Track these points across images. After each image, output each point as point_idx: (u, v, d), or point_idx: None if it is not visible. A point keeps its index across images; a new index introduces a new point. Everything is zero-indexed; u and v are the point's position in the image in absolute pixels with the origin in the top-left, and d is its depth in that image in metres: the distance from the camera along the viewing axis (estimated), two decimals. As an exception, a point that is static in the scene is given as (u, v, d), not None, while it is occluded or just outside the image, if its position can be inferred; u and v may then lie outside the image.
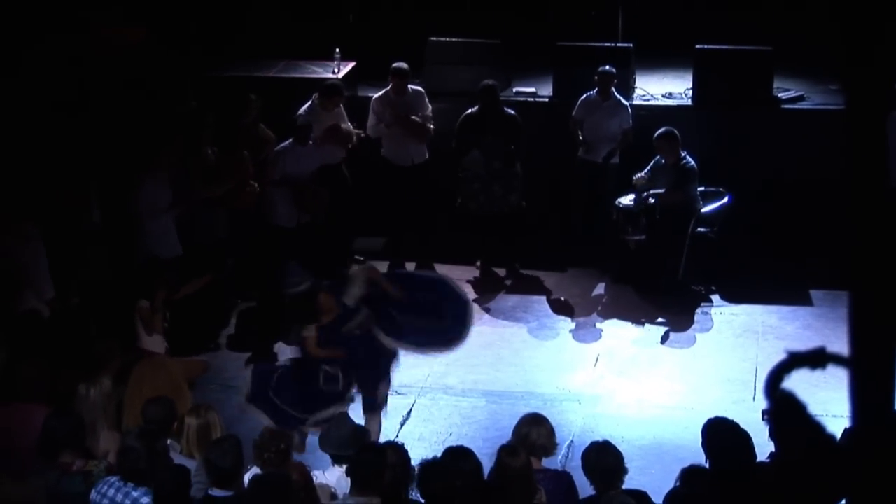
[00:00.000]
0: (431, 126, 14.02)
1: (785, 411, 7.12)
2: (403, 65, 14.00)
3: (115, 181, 12.58)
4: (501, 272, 14.30)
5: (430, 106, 14.06)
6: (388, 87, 14.04)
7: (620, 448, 7.72)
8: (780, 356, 6.44)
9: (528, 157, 14.01)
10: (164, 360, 10.39)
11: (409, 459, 7.53)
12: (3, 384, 9.26)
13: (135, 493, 7.49)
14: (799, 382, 7.61)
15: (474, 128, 13.83)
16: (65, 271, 11.59)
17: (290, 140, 13.36)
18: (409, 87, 14.05)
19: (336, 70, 14.77)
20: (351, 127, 13.95)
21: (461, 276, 14.07)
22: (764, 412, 7.90)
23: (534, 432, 7.94)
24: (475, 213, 13.99)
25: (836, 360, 6.18)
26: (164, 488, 7.25)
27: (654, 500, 7.69)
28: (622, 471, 7.55)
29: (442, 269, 14.10)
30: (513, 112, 13.98)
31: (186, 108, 13.75)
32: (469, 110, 13.93)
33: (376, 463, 7.44)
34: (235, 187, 13.03)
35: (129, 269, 12.27)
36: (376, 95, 14.12)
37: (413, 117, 13.92)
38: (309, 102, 13.81)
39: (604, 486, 7.48)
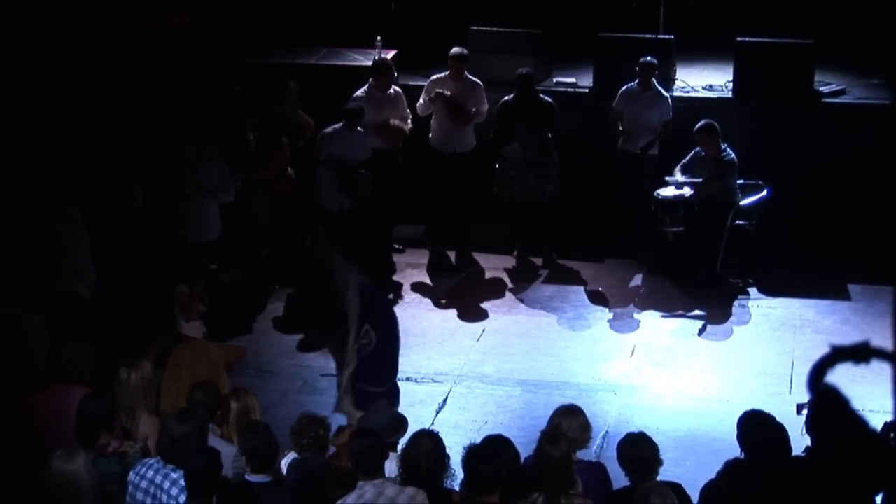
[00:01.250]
0: (481, 119, 14.04)
1: (828, 406, 7.06)
2: (462, 50, 14.02)
3: (158, 166, 12.61)
4: (538, 262, 14.29)
5: (486, 102, 14.06)
6: (447, 72, 14.05)
7: (655, 439, 7.69)
8: (818, 350, 6.40)
9: (567, 147, 13.98)
10: (203, 345, 10.40)
11: (444, 447, 7.53)
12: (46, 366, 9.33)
13: (174, 475, 7.51)
14: (837, 376, 7.57)
15: (510, 115, 13.82)
16: (107, 254, 11.64)
17: (341, 124, 13.38)
18: (468, 76, 14.06)
19: (377, 58, 14.77)
20: (406, 119, 13.93)
21: (498, 265, 14.10)
22: (799, 406, 7.85)
23: (564, 423, 7.90)
24: (510, 201, 13.98)
25: (881, 354, 6.13)
26: (195, 471, 7.27)
27: (688, 491, 7.67)
28: (657, 462, 7.52)
29: (480, 258, 14.12)
30: (549, 99, 13.96)
31: (231, 95, 13.77)
32: (505, 98, 13.92)
33: (373, 447, 7.49)
34: (274, 173, 13.10)
35: (168, 252, 12.32)
36: (434, 77, 14.13)
37: (463, 105, 13.91)
38: (365, 86, 13.84)
39: (639, 477, 7.46)
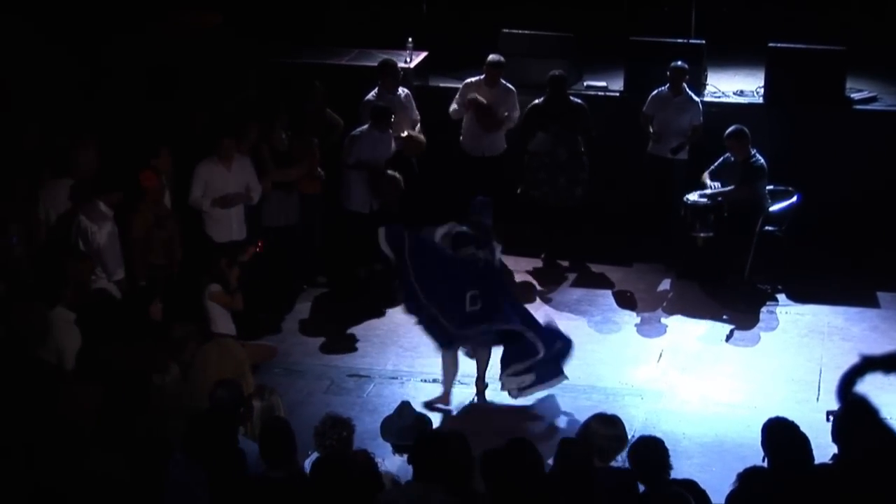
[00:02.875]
0: (511, 125, 14.06)
1: (857, 415, 7.00)
2: (500, 58, 14.01)
3: (185, 164, 12.59)
4: (566, 264, 14.24)
5: (518, 108, 14.07)
6: (482, 76, 14.04)
7: (682, 445, 7.66)
8: (846, 358, 6.36)
9: (597, 150, 13.94)
10: (230, 343, 10.43)
11: (470, 449, 7.49)
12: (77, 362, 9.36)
13: (201, 476, 7.50)
14: (862, 385, 7.51)
15: (541, 117, 13.79)
16: (136, 252, 11.64)
17: (367, 125, 13.37)
18: (503, 82, 14.04)
19: (408, 60, 14.76)
20: (416, 122, 13.97)
21: (526, 268, 14.07)
22: (829, 413, 7.80)
23: (596, 429, 7.83)
24: (538, 202, 13.94)
25: None
26: (219, 469, 7.24)
27: (714, 498, 7.61)
28: (667, 467, 7.45)
29: (507, 260, 14.06)
30: (580, 101, 13.94)
31: (245, 96, 13.75)
32: (536, 101, 13.89)
33: (439, 452, 7.42)
34: (305, 172, 13.11)
35: (197, 251, 12.31)
36: (469, 80, 14.12)
37: (495, 112, 13.88)
38: (375, 89, 13.84)
39: (649, 480, 7.40)
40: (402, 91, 14.04)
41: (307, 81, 13.81)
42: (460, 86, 14.22)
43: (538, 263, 14.25)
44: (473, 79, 14.13)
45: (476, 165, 14.13)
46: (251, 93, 13.87)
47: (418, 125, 14.09)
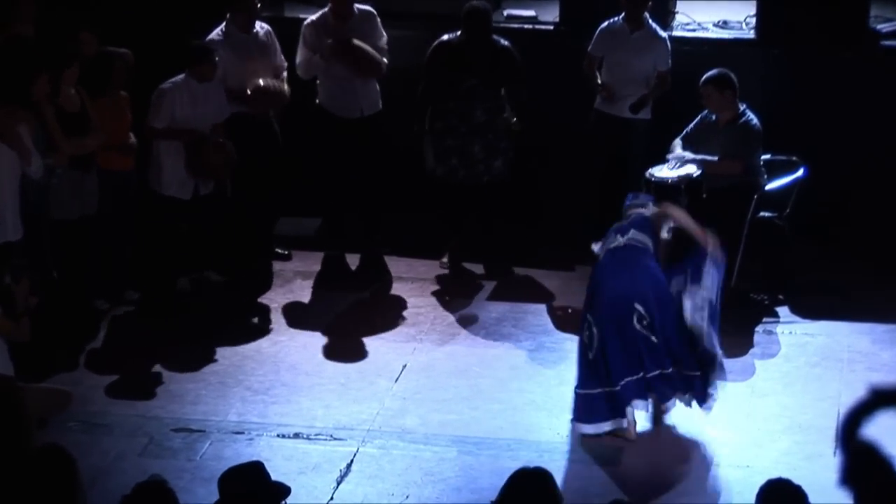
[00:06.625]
0: (385, 60, 14.04)
1: (865, 467, 7.08)
2: None
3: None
4: (480, 269, 14.27)
5: (384, 34, 14.09)
6: (327, 9, 14.01)
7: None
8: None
9: (524, 107, 13.99)
10: (7, 387, 10.36)
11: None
12: None
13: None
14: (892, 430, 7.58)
15: (452, 64, 13.82)
16: None
17: (184, 74, 13.38)
18: (356, 7, 14.03)
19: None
20: (281, 69, 14.04)
21: (424, 275, 14.09)
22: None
23: (522, 490, 7.89)
24: (444, 181, 13.94)
25: None
26: None
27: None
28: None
29: (396, 265, 14.11)
30: (507, 44, 13.99)
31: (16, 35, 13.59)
32: (445, 37, 13.93)
33: None
34: (109, 142, 13.03)
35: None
36: (309, 20, 14.09)
37: (358, 42, 13.86)
38: (222, 25, 13.86)
39: None
40: (261, 27, 14.08)
41: (118, 9, 13.79)
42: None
43: (440, 268, 14.27)
44: (315, 16, 14.13)
45: (346, 131, 14.10)
46: (25, 29, 13.67)
47: (284, 73, 14.13)
